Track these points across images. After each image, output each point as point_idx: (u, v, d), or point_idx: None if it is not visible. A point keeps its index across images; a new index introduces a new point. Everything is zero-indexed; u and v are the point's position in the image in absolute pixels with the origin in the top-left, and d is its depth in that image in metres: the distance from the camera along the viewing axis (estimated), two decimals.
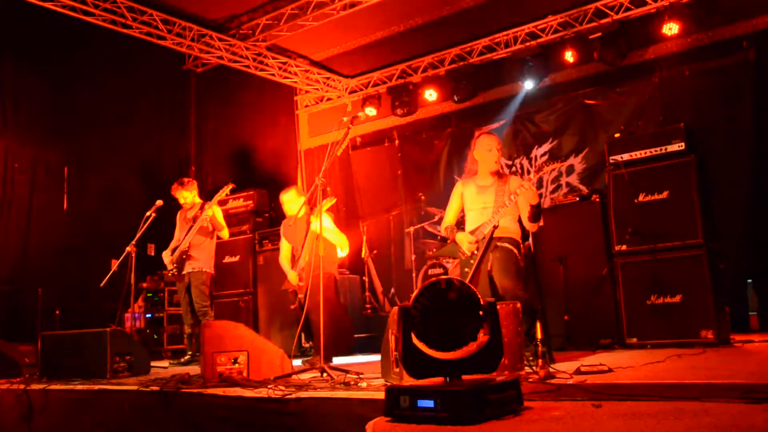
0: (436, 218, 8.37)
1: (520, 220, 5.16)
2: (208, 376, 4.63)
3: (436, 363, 2.85)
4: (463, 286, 2.92)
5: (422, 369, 2.91)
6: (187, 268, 7.07)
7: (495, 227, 4.93)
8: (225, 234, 7.32)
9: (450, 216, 5.31)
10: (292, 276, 6.39)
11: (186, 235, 7.10)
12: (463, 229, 5.16)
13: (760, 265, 7.35)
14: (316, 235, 5.37)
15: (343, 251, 6.60)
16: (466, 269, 4.97)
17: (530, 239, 6.67)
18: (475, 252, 4.95)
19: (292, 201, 6.60)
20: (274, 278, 7.92)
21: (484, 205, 5.06)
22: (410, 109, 10.19)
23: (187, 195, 7.28)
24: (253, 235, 8.59)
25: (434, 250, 8.55)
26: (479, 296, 2.91)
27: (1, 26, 8.28)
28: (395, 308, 4.05)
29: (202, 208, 7.12)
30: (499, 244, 4.96)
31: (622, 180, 6.03)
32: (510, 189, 5.00)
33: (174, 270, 7.10)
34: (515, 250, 4.98)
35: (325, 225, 6.11)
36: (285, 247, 6.63)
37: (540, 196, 4.93)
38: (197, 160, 10.89)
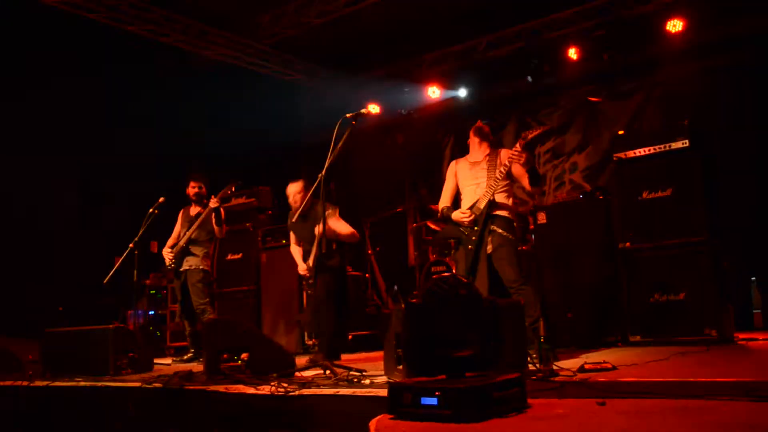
0: (439, 215, 8.35)
1: (515, 197, 5.31)
2: (211, 373, 4.63)
3: (439, 360, 2.85)
4: (467, 284, 2.92)
5: (426, 366, 2.90)
6: (184, 266, 7.04)
7: (490, 200, 5.04)
8: (220, 232, 7.22)
9: (446, 196, 5.45)
10: (302, 266, 6.36)
11: (187, 231, 7.08)
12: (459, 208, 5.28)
13: (765, 262, 7.34)
14: (322, 227, 5.34)
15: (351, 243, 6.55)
16: (470, 246, 5.05)
17: (534, 235, 6.67)
18: (475, 228, 5.01)
19: (299, 193, 6.51)
20: (277, 275, 7.92)
21: (477, 181, 5.19)
22: (414, 105, 10.17)
23: (201, 187, 7.24)
24: (256, 232, 8.58)
25: (435, 254, 8.54)
26: (482, 294, 2.91)
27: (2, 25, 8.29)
28: (399, 305, 4.05)
29: (206, 205, 7.09)
30: (494, 228, 5.02)
31: (626, 177, 6.01)
32: (501, 161, 5.12)
33: (173, 265, 7.06)
34: (511, 236, 5.07)
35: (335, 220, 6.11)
36: (293, 237, 6.62)
37: (533, 163, 5.08)
38: (200, 158, 10.87)
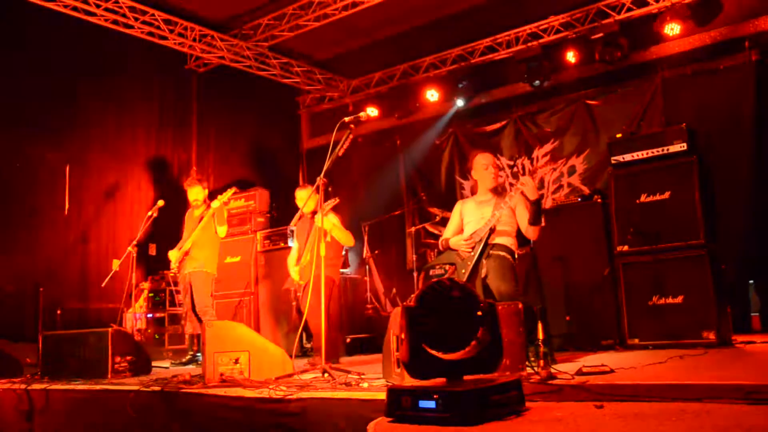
0: (438, 218, 8.37)
1: (518, 235, 5.13)
2: (210, 376, 4.63)
3: (437, 363, 2.85)
4: (464, 287, 2.92)
5: (424, 369, 2.91)
6: (189, 268, 7.06)
7: (492, 230, 4.94)
8: (222, 231, 7.22)
9: (449, 232, 5.31)
10: (294, 273, 6.41)
11: (191, 234, 7.09)
12: None
13: (762, 265, 7.34)
14: (320, 231, 5.37)
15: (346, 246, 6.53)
16: (463, 270, 4.97)
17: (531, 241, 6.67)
18: (470, 253, 4.96)
19: (305, 199, 6.46)
20: (276, 278, 7.92)
21: (482, 216, 5.07)
22: (412, 109, 10.18)
23: (200, 192, 7.26)
24: (255, 235, 8.59)
25: (433, 257, 8.53)
26: (480, 297, 2.91)
27: (2, 26, 8.29)
28: (397, 308, 4.05)
29: (208, 207, 7.10)
30: (492, 252, 4.95)
31: (624, 180, 6.02)
32: (509, 194, 5.00)
33: (177, 268, 7.09)
34: (509, 257, 4.98)
35: (332, 220, 6.14)
36: (294, 247, 6.66)
37: (541, 196, 4.91)
38: (199, 160, 10.89)
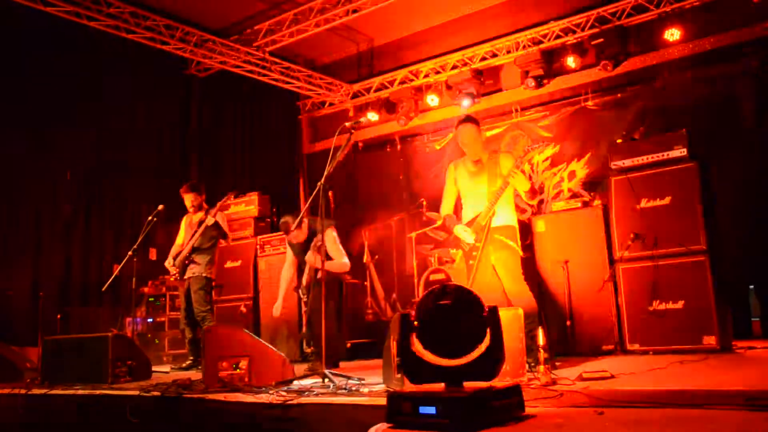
0: (438, 224, 8.37)
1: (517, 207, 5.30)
2: (210, 381, 4.63)
3: (437, 369, 2.85)
4: (464, 292, 2.92)
5: (424, 375, 2.90)
6: (188, 273, 7.07)
7: (492, 216, 5.02)
8: (226, 241, 7.30)
9: (447, 202, 5.41)
10: (277, 307, 6.49)
11: (190, 239, 7.10)
12: (460, 214, 5.26)
13: (763, 271, 7.33)
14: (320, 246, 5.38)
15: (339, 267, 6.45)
16: (471, 261, 5.03)
17: (533, 244, 6.67)
18: (477, 244, 5.00)
19: (294, 229, 6.42)
20: (276, 283, 7.92)
21: (478, 189, 5.15)
22: (412, 114, 10.19)
23: (197, 197, 7.27)
24: (255, 240, 8.59)
25: (433, 263, 8.52)
26: (481, 301, 2.91)
27: (5, 30, 8.31)
28: (397, 314, 4.05)
29: (207, 213, 7.10)
30: (497, 237, 5.00)
31: (624, 185, 6.03)
32: (501, 170, 5.07)
33: (176, 274, 7.10)
34: (513, 243, 5.04)
35: (329, 245, 6.12)
36: (289, 258, 6.66)
37: (532, 183, 5.01)
38: (199, 164, 10.91)
